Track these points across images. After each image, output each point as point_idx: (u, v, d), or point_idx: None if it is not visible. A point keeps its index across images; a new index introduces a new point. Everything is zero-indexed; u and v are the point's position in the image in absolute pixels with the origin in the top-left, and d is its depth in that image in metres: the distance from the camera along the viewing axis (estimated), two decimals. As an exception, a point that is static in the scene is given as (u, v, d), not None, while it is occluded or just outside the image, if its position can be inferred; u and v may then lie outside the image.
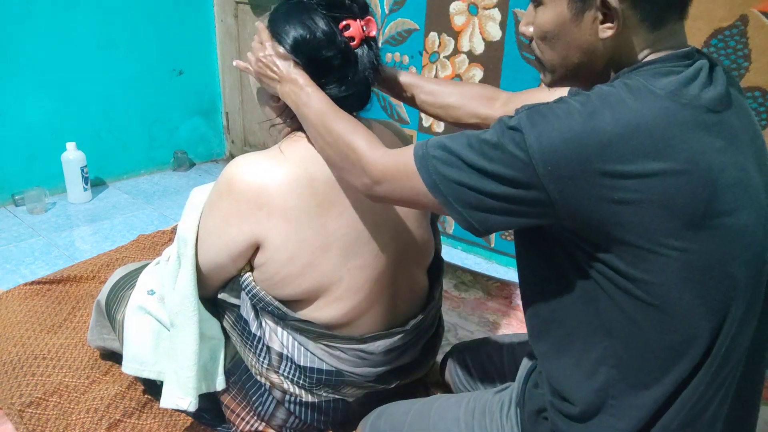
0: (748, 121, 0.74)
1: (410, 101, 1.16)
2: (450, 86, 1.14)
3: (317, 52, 0.96)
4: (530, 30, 0.80)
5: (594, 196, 0.66)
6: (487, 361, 1.25)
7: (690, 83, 0.69)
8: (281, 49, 0.97)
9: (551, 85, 0.82)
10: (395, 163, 0.82)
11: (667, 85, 0.68)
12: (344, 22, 0.96)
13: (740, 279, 0.70)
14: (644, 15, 0.71)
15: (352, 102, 1.01)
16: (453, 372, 1.32)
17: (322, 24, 0.95)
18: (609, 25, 0.71)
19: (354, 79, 0.98)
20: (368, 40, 0.99)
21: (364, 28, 0.97)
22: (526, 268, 0.85)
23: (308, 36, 0.95)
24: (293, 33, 0.96)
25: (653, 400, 0.73)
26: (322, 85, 0.97)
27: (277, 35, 0.98)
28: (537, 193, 0.68)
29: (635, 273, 0.69)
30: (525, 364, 0.95)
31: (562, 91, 0.93)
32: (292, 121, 1.04)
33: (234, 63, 1.08)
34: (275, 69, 0.97)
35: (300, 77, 0.96)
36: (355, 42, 0.97)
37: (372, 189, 0.86)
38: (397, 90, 1.16)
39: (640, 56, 0.74)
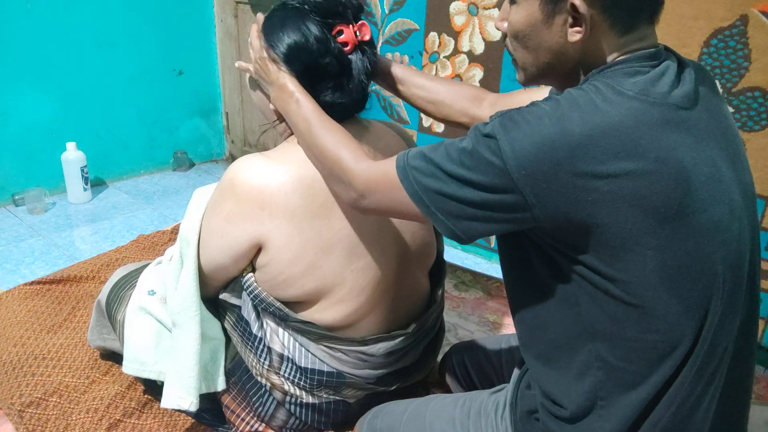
0: (720, 118, 0.75)
1: (402, 94, 1.16)
2: (441, 83, 1.15)
3: (310, 59, 0.95)
4: (504, 26, 0.81)
5: (569, 198, 0.67)
6: (485, 361, 1.26)
7: (657, 82, 0.70)
8: (274, 55, 0.97)
9: (524, 83, 0.84)
10: (379, 176, 0.83)
11: (634, 85, 0.69)
12: (337, 28, 0.96)
13: (718, 275, 0.70)
14: (614, 20, 0.72)
15: (349, 107, 1.02)
16: (451, 372, 1.32)
17: (314, 30, 0.95)
18: (578, 29, 0.72)
19: (349, 85, 0.98)
20: (362, 45, 0.99)
21: (357, 34, 0.97)
22: (510, 277, 0.86)
23: (301, 42, 0.95)
24: (286, 40, 0.96)
25: (641, 399, 0.73)
26: (317, 92, 0.97)
27: (270, 42, 0.98)
28: (514, 197, 0.69)
29: (613, 273, 0.70)
30: (520, 364, 0.96)
31: (547, 92, 0.93)
32: None
33: (237, 64, 1.08)
34: (267, 73, 0.98)
35: (289, 83, 0.96)
36: (348, 47, 0.96)
37: (359, 202, 0.87)
38: (391, 83, 1.16)
39: (610, 59, 0.75)
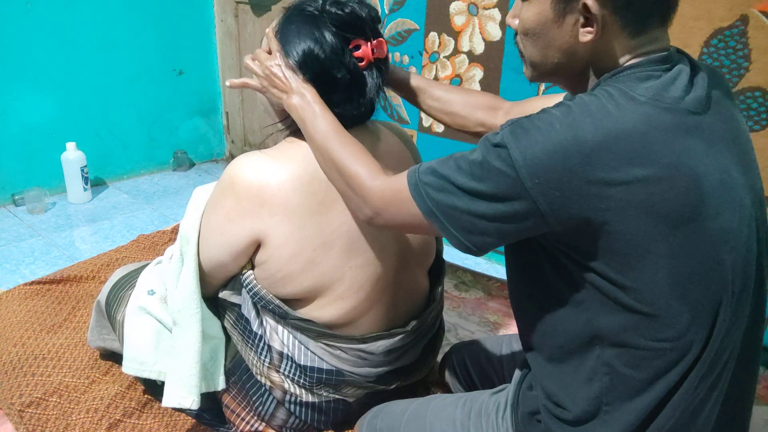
0: (732, 122, 0.74)
1: (418, 105, 1.17)
2: (456, 94, 1.15)
3: (324, 69, 0.95)
4: (516, 23, 0.80)
5: (582, 205, 0.66)
6: (486, 362, 1.26)
7: (670, 86, 0.69)
8: (290, 62, 0.96)
9: (532, 79, 0.83)
10: (392, 193, 0.83)
11: (647, 90, 0.68)
12: (354, 42, 0.95)
13: (728, 282, 0.70)
14: (625, 22, 0.71)
15: (356, 119, 1.02)
16: (452, 372, 1.32)
17: (331, 41, 0.94)
18: (589, 29, 0.72)
19: (360, 100, 0.98)
20: (378, 63, 0.98)
21: (374, 51, 0.97)
22: (517, 281, 0.86)
23: (317, 51, 0.94)
24: (302, 46, 0.95)
25: (645, 406, 0.73)
26: (327, 102, 0.96)
27: (286, 47, 0.97)
28: (527, 205, 0.69)
29: (624, 281, 0.69)
30: (521, 365, 0.96)
31: (561, 99, 0.93)
32: (294, 124, 1.03)
33: (228, 84, 1.07)
34: (284, 80, 0.97)
35: (308, 93, 0.95)
36: (363, 63, 0.96)
37: (373, 219, 0.87)
38: (407, 93, 1.17)
39: (621, 61, 0.74)
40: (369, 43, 0.96)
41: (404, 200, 0.79)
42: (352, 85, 0.96)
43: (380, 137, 1.08)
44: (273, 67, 0.97)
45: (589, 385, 0.76)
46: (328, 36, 0.94)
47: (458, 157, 0.75)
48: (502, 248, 0.86)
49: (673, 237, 0.66)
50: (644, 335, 0.71)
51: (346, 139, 0.93)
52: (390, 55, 2.28)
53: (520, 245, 0.79)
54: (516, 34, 0.82)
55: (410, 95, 1.16)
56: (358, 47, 0.95)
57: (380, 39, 0.98)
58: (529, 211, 0.69)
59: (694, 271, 0.68)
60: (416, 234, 1.07)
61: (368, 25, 0.97)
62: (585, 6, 0.70)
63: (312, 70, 0.95)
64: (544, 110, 0.71)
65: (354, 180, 0.88)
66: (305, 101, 0.95)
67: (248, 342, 1.11)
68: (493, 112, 1.11)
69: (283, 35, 0.98)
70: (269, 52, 1.00)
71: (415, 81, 1.15)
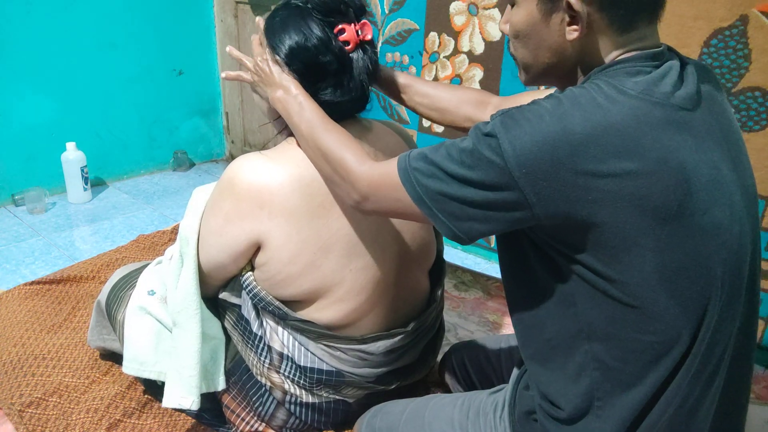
0: (723, 120, 0.75)
1: (405, 102, 1.17)
2: (444, 90, 1.15)
3: (312, 58, 0.95)
4: (507, 28, 0.81)
5: (569, 197, 0.67)
6: (485, 361, 1.26)
7: (660, 82, 0.70)
8: (276, 56, 0.97)
9: (526, 83, 0.84)
10: (381, 178, 0.83)
11: (636, 85, 0.69)
12: (339, 27, 0.96)
13: (717, 277, 0.70)
14: (612, 19, 0.72)
15: (349, 106, 1.02)
16: (451, 372, 1.32)
17: (316, 29, 0.95)
18: (575, 27, 0.73)
19: (349, 84, 0.98)
20: (363, 44, 0.99)
21: (359, 33, 0.97)
22: (509, 276, 0.86)
23: (303, 42, 0.95)
24: (288, 41, 0.96)
25: (637, 400, 0.73)
26: (318, 91, 0.97)
27: (272, 42, 0.98)
28: (515, 195, 0.69)
29: (611, 273, 0.70)
30: (519, 364, 0.96)
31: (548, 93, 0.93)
32: None
33: (223, 75, 1.08)
34: (269, 74, 0.98)
35: (292, 85, 0.96)
36: (350, 46, 0.96)
37: (361, 205, 0.87)
38: (393, 91, 1.16)
39: (609, 57, 0.75)
40: (353, 26, 0.97)
41: (393, 185, 0.79)
42: (341, 70, 0.97)
43: (379, 135, 1.08)
44: (261, 62, 0.99)
45: (579, 380, 0.77)
46: (314, 26, 0.95)
47: (449, 145, 0.75)
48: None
49: (661, 231, 0.67)
50: (631, 328, 0.71)
51: (331, 127, 0.93)
52: (389, 55, 2.29)
53: (510, 238, 0.80)
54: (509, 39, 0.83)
55: (395, 92, 1.16)
56: (342, 31, 0.96)
57: (364, 21, 0.99)
58: (517, 202, 0.69)
59: (682, 265, 0.69)
60: (404, 220, 1.07)
61: (351, 9, 0.97)
62: (569, 4, 0.71)
63: (301, 61, 0.96)
64: (534, 101, 0.71)
65: (341, 165, 0.88)
66: (290, 94, 0.96)
67: (248, 343, 1.11)
68: (481, 107, 1.12)
69: (270, 30, 0.99)
70: (261, 45, 1.01)
71: (399, 78, 1.15)
